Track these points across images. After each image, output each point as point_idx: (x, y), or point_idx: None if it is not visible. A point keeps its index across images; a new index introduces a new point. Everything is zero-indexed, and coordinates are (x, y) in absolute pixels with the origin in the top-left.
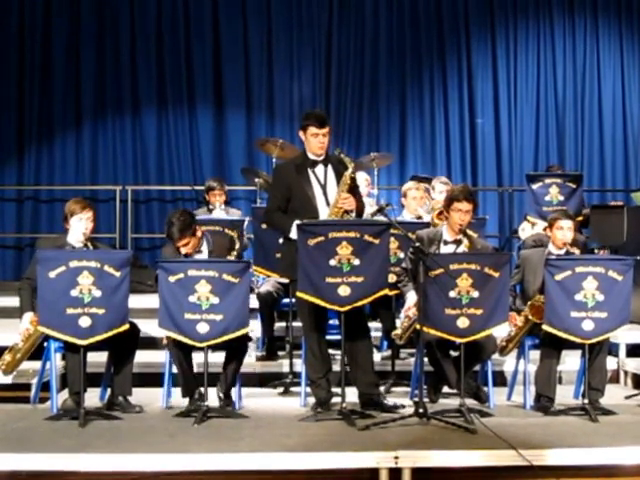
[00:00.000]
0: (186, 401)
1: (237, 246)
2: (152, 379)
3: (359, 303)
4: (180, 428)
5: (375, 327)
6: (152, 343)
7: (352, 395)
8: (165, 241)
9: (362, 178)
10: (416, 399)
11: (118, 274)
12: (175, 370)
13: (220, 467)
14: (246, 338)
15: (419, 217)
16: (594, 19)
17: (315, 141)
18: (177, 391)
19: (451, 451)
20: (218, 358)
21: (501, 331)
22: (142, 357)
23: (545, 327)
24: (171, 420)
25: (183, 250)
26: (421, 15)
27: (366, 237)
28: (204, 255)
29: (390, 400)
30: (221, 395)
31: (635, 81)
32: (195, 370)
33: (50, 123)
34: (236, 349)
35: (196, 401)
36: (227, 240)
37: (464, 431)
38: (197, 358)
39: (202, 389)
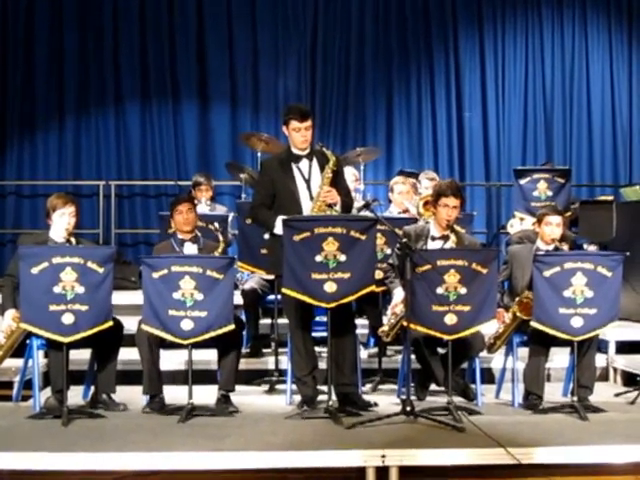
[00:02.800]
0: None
1: (221, 239)
2: (136, 377)
3: (345, 300)
4: (165, 426)
5: (361, 324)
6: None
7: None
8: (157, 238)
9: (349, 173)
10: (403, 397)
11: (101, 270)
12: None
13: (205, 466)
14: (236, 333)
15: (405, 210)
16: (582, 13)
17: (297, 135)
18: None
19: (439, 449)
20: (204, 356)
21: (489, 328)
22: (126, 354)
23: (533, 324)
24: (155, 418)
25: (181, 218)
26: (408, 8)
27: (352, 233)
28: (193, 252)
29: (368, 398)
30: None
31: (624, 76)
32: (183, 368)
33: (32, 118)
34: (226, 346)
35: (158, 402)
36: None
37: (452, 429)
38: (183, 356)
39: (161, 395)
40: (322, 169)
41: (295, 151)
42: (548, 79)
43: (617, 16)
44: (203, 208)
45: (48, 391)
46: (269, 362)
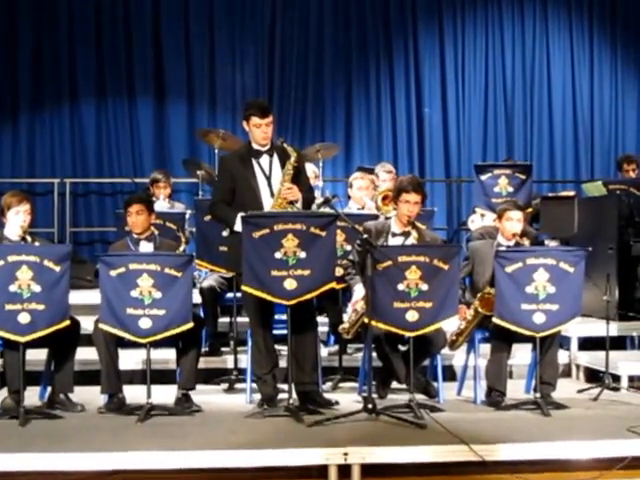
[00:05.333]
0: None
1: (183, 240)
2: (93, 377)
3: (306, 297)
4: (123, 426)
5: (321, 322)
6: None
7: None
8: (113, 236)
9: (310, 170)
10: (364, 395)
11: (58, 269)
12: None
13: (165, 465)
14: (195, 331)
15: (363, 206)
16: (543, 8)
17: (258, 131)
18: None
19: (401, 447)
20: (162, 355)
21: (451, 325)
22: (83, 354)
23: (495, 320)
24: (114, 418)
25: (130, 220)
26: (367, 3)
27: (312, 229)
28: (149, 251)
29: (328, 396)
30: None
31: (585, 71)
32: (141, 367)
33: None
34: (186, 344)
35: (117, 402)
36: (175, 243)
37: (414, 427)
38: (140, 355)
39: (121, 395)
40: (283, 165)
41: (255, 147)
42: (509, 75)
43: (578, 11)
44: (162, 205)
45: (4, 392)
46: (228, 361)
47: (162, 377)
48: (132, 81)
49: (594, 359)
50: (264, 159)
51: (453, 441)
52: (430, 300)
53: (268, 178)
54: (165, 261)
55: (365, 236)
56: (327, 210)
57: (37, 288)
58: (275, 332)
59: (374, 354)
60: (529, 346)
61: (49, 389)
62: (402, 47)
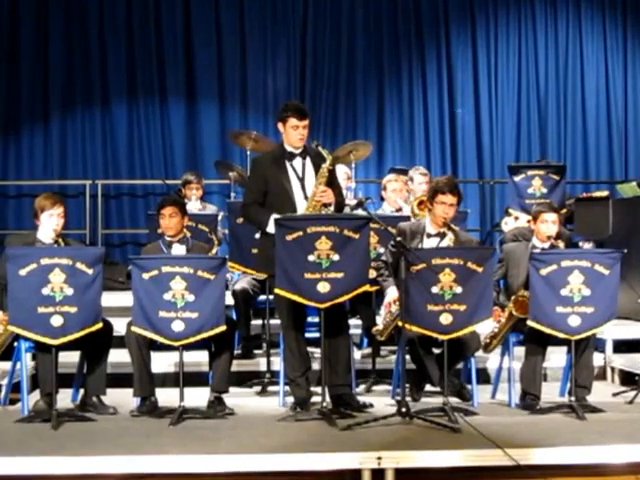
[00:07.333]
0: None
1: (215, 242)
2: (126, 379)
3: (339, 299)
4: (156, 429)
5: (354, 324)
6: None
7: None
8: (145, 238)
9: (342, 172)
10: (398, 398)
11: (91, 271)
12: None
13: (198, 469)
14: (228, 333)
15: (399, 209)
16: (576, 7)
17: (295, 133)
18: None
19: (435, 451)
20: (194, 358)
21: (485, 327)
22: (115, 356)
23: (530, 323)
24: (146, 421)
25: (163, 223)
26: (399, 3)
27: (346, 232)
28: (182, 253)
29: (362, 399)
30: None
31: (619, 70)
32: (173, 370)
33: (17, 116)
34: (219, 347)
35: (149, 405)
36: (207, 245)
37: (448, 430)
38: (172, 357)
39: (154, 398)
40: (316, 167)
41: (289, 149)
42: (542, 74)
43: (611, 10)
44: (194, 206)
45: (36, 394)
46: (261, 363)
47: (194, 380)
48: (163, 82)
49: (629, 362)
50: (297, 161)
51: (487, 445)
52: (464, 303)
53: (301, 180)
54: (198, 264)
55: (399, 239)
56: (360, 212)
57: (70, 291)
58: (308, 335)
59: (407, 357)
60: (564, 349)
61: (81, 392)
62: (434, 47)
